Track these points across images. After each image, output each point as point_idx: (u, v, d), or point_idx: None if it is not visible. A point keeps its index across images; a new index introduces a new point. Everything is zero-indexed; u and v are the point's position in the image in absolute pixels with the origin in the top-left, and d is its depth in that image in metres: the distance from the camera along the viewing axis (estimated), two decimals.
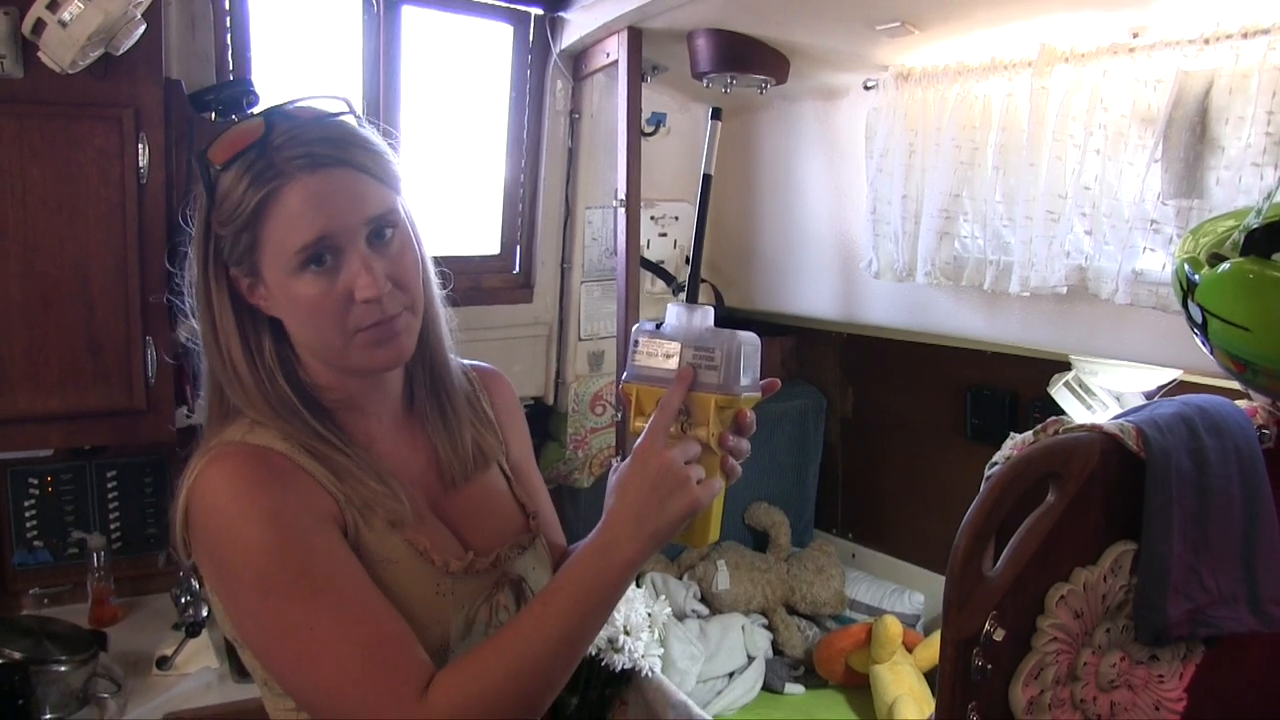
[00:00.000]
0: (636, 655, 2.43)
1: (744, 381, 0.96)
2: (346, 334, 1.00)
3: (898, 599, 2.99)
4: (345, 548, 0.98)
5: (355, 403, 1.09)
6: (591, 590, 0.94)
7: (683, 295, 1.02)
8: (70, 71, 1.82)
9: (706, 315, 0.98)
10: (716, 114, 1.01)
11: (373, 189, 1.00)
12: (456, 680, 0.93)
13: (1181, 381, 2.06)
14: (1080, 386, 2.29)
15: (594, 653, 2.42)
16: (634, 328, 0.99)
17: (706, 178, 1.01)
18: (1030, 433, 1.19)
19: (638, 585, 2.78)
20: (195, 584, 2.17)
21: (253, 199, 0.96)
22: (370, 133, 1.04)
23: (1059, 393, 2.32)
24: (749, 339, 0.96)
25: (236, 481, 0.95)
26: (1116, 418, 1.24)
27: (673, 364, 0.96)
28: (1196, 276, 1.17)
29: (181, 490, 0.99)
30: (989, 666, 1.11)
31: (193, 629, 2.10)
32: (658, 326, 0.98)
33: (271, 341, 1.04)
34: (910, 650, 2.79)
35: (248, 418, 1.03)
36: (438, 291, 1.14)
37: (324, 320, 0.99)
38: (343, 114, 1.03)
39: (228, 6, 2.24)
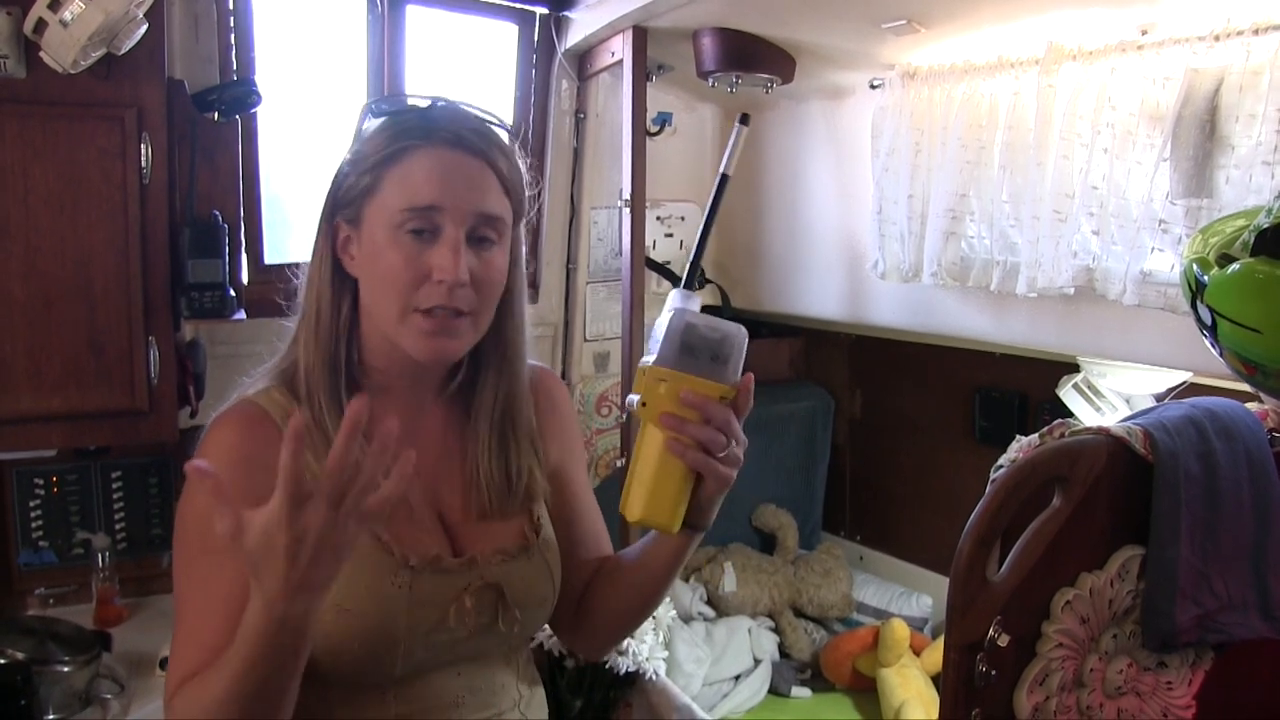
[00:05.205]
0: (640, 658, 2.41)
1: (683, 359, 0.97)
2: (406, 309, 1.02)
3: (905, 602, 2.97)
4: None
5: (389, 397, 1.08)
6: (254, 642, 0.87)
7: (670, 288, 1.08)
8: (72, 71, 1.82)
9: (689, 299, 1.03)
10: (745, 119, 1.05)
11: (495, 190, 1.04)
12: (189, 690, 0.96)
13: (1192, 384, 2.04)
14: (1089, 388, 2.27)
15: None
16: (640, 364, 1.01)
17: (724, 177, 1.03)
18: (1036, 435, 1.18)
19: None
20: None
21: (390, 146, 1.02)
22: (515, 151, 1.10)
23: (1068, 395, 2.29)
24: (690, 314, 0.99)
25: (218, 439, 1.03)
26: (1124, 420, 1.22)
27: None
28: (1205, 277, 1.16)
29: None
30: (993, 672, 1.10)
31: None
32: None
33: (349, 305, 1.08)
34: (918, 654, 2.77)
35: (272, 383, 1.07)
36: (528, 334, 1.16)
37: (393, 287, 1.02)
38: (498, 123, 1.09)
39: (231, 6, 2.23)
